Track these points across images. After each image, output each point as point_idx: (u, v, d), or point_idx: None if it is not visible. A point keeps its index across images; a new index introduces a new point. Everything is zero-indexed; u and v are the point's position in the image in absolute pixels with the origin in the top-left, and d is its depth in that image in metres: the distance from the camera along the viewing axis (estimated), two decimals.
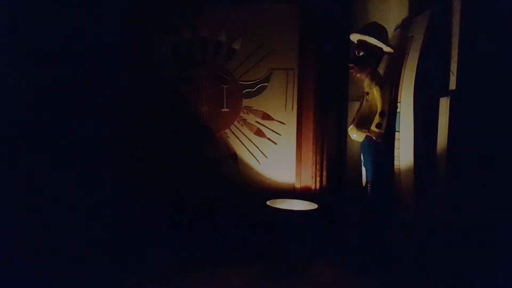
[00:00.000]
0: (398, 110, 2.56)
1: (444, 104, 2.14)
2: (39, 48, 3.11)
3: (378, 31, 2.74)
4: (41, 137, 3.13)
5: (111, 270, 2.89)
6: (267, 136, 3.53)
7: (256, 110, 3.52)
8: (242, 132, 3.53)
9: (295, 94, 3.48)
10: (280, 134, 3.53)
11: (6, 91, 2.97)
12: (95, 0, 3.31)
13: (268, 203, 3.10)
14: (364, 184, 2.92)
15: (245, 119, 3.53)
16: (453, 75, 2.11)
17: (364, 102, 2.84)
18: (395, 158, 2.59)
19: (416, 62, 2.34)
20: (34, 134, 3.09)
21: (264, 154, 3.54)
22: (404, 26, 2.73)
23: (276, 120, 3.52)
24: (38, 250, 2.86)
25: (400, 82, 2.52)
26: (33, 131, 3.09)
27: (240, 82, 3.50)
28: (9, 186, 2.92)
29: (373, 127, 2.74)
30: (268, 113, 3.52)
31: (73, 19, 3.25)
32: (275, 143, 3.53)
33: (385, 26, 2.80)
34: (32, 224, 2.93)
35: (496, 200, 2.03)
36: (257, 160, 3.54)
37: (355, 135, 2.84)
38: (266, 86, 3.50)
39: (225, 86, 3.50)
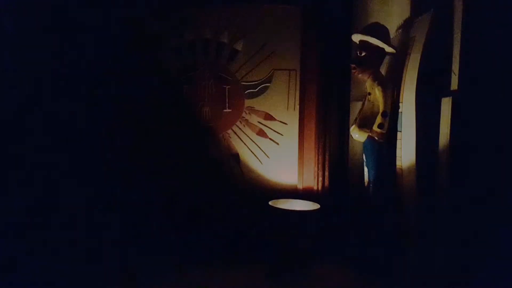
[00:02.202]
0: (400, 110, 2.56)
1: (446, 104, 2.14)
2: (42, 50, 3.13)
3: (380, 32, 2.74)
4: (42, 138, 3.14)
5: (111, 268, 2.89)
6: (269, 137, 3.54)
7: (258, 110, 3.53)
8: (244, 133, 3.54)
9: (297, 94, 3.48)
10: (282, 135, 3.53)
11: (14, 88, 2.99)
12: (98, 1, 3.32)
13: (270, 203, 3.10)
14: (366, 184, 2.92)
15: (247, 120, 3.53)
16: (455, 75, 2.11)
17: (366, 102, 2.84)
18: (397, 158, 2.60)
19: (418, 62, 2.34)
20: (34, 133, 3.10)
21: (266, 155, 3.55)
22: (406, 27, 2.73)
23: (278, 121, 3.53)
24: (37, 249, 2.87)
25: (402, 82, 2.53)
26: (33, 130, 3.11)
27: (242, 83, 3.51)
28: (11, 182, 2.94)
29: (375, 127, 2.74)
30: (270, 113, 3.52)
31: (76, 20, 3.27)
32: (277, 144, 3.54)
33: (387, 26, 2.80)
34: (30, 224, 2.94)
35: (498, 200, 2.03)
36: (259, 161, 3.55)
37: (357, 135, 2.84)
38: (268, 86, 3.51)
39: (227, 87, 3.51)
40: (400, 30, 2.84)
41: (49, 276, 2.68)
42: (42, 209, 3.08)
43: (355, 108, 3.19)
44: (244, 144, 3.55)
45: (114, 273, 2.84)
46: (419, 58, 2.35)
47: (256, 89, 3.51)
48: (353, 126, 2.88)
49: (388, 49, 2.75)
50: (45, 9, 3.14)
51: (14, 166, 2.99)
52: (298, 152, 3.49)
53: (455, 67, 2.12)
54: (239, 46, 3.47)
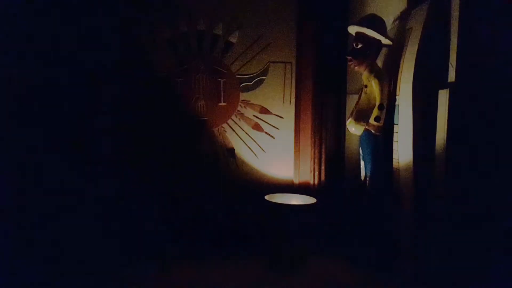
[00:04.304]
0: (397, 103, 2.54)
1: (443, 97, 2.12)
2: (37, 47, 3.09)
3: (377, 23, 2.72)
4: (39, 132, 3.11)
5: (107, 266, 2.87)
6: (265, 130, 3.51)
7: (254, 104, 3.49)
8: (239, 126, 3.51)
9: (293, 87, 3.46)
10: (278, 128, 3.51)
11: (12, 89, 2.95)
12: None
13: (266, 197, 3.09)
14: (363, 178, 2.91)
15: (242, 113, 3.50)
16: (452, 67, 2.09)
17: (363, 95, 2.82)
18: (394, 151, 2.58)
19: (415, 54, 2.32)
20: (33, 130, 3.07)
21: (262, 149, 3.52)
22: (403, 18, 2.70)
23: (274, 114, 3.50)
24: (34, 248, 2.84)
25: (399, 75, 2.50)
26: (32, 127, 3.07)
27: (237, 76, 3.47)
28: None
29: (371, 120, 2.72)
30: (265, 107, 3.49)
31: (70, 14, 3.22)
32: (273, 137, 3.51)
33: (384, 18, 2.77)
34: (28, 221, 2.92)
35: (495, 193, 2.02)
36: (255, 155, 3.52)
37: (354, 129, 2.83)
38: (264, 79, 3.47)
39: (222, 80, 3.47)
40: (397, 22, 2.81)
41: (44, 272, 2.65)
42: (40, 208, 3.05)
43: (352, 101, 3.16)
44: (240, 138, 3.52)
45: (109, 271, 2.82)
46: (416, 50, 2.32)
47: (252, 82, 3.47)
48: (350, 119, 2.86)
49: (385, 41, 2.73)
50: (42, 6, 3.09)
51: (6, 167, 2.96)
52: (294, 146, 3.47)
53: (452, 59, 2.10)
54: (233, 39, 3.43)
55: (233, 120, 3.51)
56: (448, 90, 2.08)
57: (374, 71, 2.72)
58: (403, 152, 2.45)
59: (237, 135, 3.51)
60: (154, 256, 3.07)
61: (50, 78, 3.16)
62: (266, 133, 3.51)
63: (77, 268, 2.81)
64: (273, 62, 3.45)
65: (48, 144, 3.15)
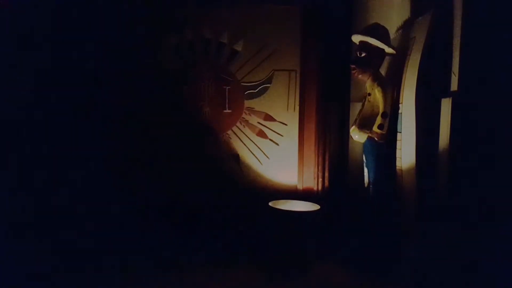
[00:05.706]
0: (400, 111, 2.56)
1: (446, 105, 2.15)
2: (42, 47, 3.13)
3: (380, 32, 2.75)
4: (41, 135, 3.15)
5: (110, 269, 2.89)
6: (269, 137, 3.53)
7: (258, 111, 3.52)
8: (244, 133, 3.53)
9: (297, 95, 3.48)
10: (282, 135, 3.53)
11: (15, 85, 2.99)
12: (100, 1, 3.33)
13: (270, 204, 3.10)
14: (366, 185, 2.92)
15: (247, 120, 3.53)
16: (455, 76, 2.12)
17: (366, 103, 2.85)
18: (397, 159, 2.60)
19: (418, 63, 2.35)
20: (33, 132, 3.11)
21: (266, 155, 3.54)
22: (406, 27, 2.74)
23: (278, 121, 3.52)
24: (36, 250, 2.87)
25: (402, 83, 2.53)
26: (33, 129, 3.11)
27: (242, 83, 3.51)
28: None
29: (375, 128, 2.74)
30: (270, 114, 3.51)
31: (77, 19, 3.28)
32: (277, 144, 3.53)
33: (387, 27, 2.81)
34: (31, 224, 2.95)
35: (497, 200, 2.03)
36: (259, 161, 3.54)
37: (357, 136, 2.85)
38: (268, 87, 3.50)
39: (227, 87, 3.50)
40: (400, 31, 2.84)
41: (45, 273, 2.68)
42: (42, 211, 3.08)
43: (355, 109, 3.19)
44: (244, 145, 3.54)
45: (114, 273, 2.84)
46: (419, 58, 2.35)
47: (256, 90, 3.50)
48: (353, 127, 2.88)
49: (388, 49, 2.76)
50: (46, 9, 3.14)
51: (13, 168, 2.99)
52: (298, 153, 3.49)
53: (455, 68, 2.12)
54: (239, 47, 3.47)
55: (237, 127, 3.53)
56: (451, 98, 2.11)
57: (378, 80, 2.75)
58: (406, 159, 2.47)
59: (242, 142, 3.54)
60: (157, 260, 3.09)
61: (51, 78, 3.20)
62: (270, 140, 3.53)
63: (77, 268, 2.83)
64: (278, 70, 3.48)
65: (49, 143, 3.19)
